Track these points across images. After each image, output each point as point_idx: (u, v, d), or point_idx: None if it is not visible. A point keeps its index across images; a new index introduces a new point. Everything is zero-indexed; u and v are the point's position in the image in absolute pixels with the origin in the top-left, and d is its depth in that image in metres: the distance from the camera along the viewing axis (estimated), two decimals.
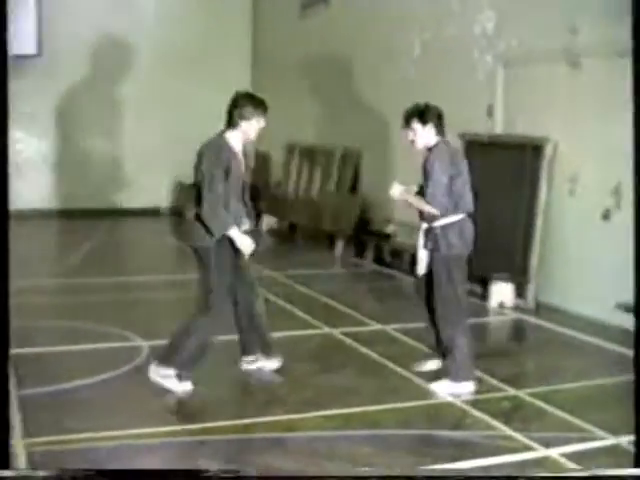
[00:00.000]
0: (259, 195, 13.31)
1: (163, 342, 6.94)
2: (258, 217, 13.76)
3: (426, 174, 5.90)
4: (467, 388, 5.98)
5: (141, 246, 13.60)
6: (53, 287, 9.91)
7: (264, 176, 15.56)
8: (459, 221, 5.97)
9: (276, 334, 7.37)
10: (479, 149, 9.38)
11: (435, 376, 6.16)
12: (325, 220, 12.45)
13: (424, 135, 5.95)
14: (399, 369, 6.48)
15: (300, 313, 8.28)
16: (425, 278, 6.16)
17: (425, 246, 6.05)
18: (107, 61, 16.46)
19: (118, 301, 9.09)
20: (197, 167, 5.85)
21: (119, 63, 16.54)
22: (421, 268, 6.14)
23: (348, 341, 7.33)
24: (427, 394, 5.95)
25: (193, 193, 5.90)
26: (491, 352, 7.12)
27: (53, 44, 15.87)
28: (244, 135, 5.90)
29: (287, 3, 15.46)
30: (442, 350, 6.20)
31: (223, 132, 5.91)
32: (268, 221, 14.51)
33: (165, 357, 5.97)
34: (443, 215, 5.91)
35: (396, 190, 6.14)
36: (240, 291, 6.18)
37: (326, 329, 7.73)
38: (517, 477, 4.49)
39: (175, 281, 9.83)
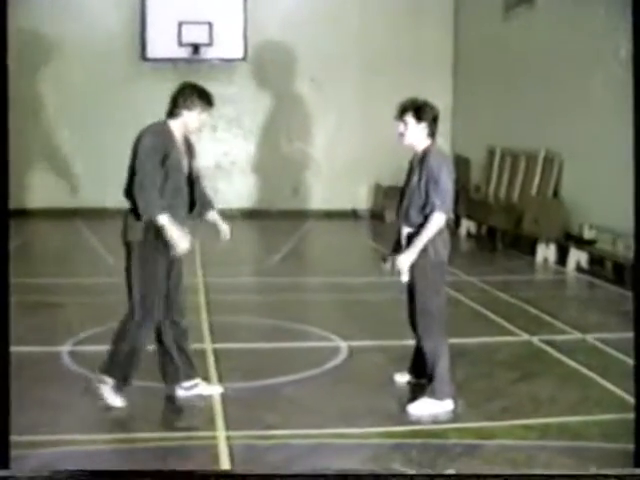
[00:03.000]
0: (458, 199, 13.19)
1: (362, 343, 7.04)
2: (457, 221, 13.71)
3: (428, 178, 5.48)
4: (447, 406, 5.60)
5: (339, 248, 13.78)
6: (253, 285, 10.19)
7: (463, 180, 15.44)
8: (444, 226, 5.59)
9: (473, 340, 7.33)
10: None
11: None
12: (526, 225, 12.20)
13: (416, 132, 5.58)
14: (600, 380, 6.25)
15: (498, 319, 8.15)
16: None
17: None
18: (310, 68, 16.81)
19: (316, 301, 9.29)
20: (133, 152, 5.48)
21: (328, 71, 16.85)
22: (406, 276, 5.66)
23: (547, 349, 7.15)
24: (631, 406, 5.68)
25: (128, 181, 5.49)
26: None
27: (258, 49, 16.41)
28: (185, 126, 5.57)
29: (489, 6, 15.28)
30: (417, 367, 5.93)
31: (165, 120, 5.59)
32: (467, 225, 14.40)
33: (104, 365, 5.62)
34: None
35: (404, 264, 5.56)
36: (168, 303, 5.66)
37: (525, 336, 7.57)
38: (515, 476, 4.42)
39: (371, 283, 9.91)
